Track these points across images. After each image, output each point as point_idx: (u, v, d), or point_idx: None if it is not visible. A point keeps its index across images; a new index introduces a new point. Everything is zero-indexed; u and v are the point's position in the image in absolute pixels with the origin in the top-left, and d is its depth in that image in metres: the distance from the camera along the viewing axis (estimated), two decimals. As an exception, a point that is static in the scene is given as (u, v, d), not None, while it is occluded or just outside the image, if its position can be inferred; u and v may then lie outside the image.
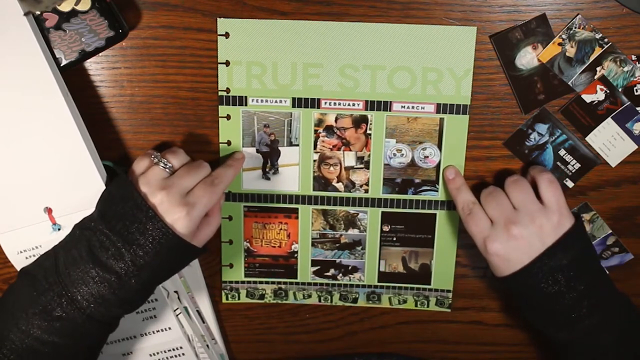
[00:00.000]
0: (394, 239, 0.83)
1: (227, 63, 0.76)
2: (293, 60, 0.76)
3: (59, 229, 0.74)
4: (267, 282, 0.86)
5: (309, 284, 0.86)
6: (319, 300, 0.87)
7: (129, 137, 0.79)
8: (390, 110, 0.78)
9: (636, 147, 0.78)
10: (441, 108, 0.78)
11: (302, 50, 0.76)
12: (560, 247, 0.71)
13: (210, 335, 0.87)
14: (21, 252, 0.75)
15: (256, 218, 0.83)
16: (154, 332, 0.82)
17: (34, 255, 0.75)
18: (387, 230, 0.83)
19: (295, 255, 0.84)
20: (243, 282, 0.86)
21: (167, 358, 0.84)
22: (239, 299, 0.87)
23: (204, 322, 0.86)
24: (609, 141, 0.78)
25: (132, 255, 0.65)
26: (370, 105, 0.78)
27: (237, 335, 0.89)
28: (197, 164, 0.72)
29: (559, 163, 0.79)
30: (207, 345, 0.85)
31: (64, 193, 0.73)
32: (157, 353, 0.83)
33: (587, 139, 0.78)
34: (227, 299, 0.87)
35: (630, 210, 0.81)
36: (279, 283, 0.86)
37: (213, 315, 0.86)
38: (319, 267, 0.85)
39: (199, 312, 0.85)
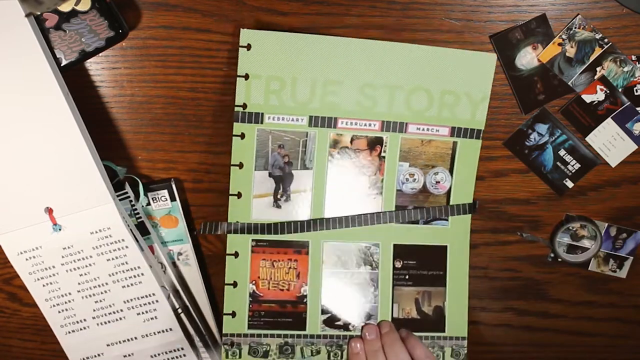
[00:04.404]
0: (407, 277, 0.82)
1: (246, 76, 0.74)
2: (313, 76, 0.75)
3: (59, 230, 0.74)
4: (272, 336, 0.81)
5: (318, 336, 0.82)
6: (328, 358, 0.82)
7: (129, 137, 0.79)
8: (405, 132, 0.77)
9: (636, 147, 0.78)
10: (455, 131, 0.77)
11: (324, 66, 0.74)
12: None
13: (211, 336, 0.87)
14: (21, 252, 0.75)
15: (264, 254, 0.80)
16: (154, 334, 0.82)
17: (33, 257, 0.75)
18: (399, 266, 0.81)
19: (305, 299, 0.81)
20: (246, 335, 0.81)
21: (168, 359, 0.84)
22: (240, 356, 0.82)
23: (204, 322, 0.86)
24: (609, 141, 0.78)
25: None
26: (387, 126, 0.77)
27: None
28: None
29: (559, 163, 0.79)
30: (209, 345, 0.85)
31: (65, 193, 0.73)
32: (158, 354, 0.83)
33: (587, 139, 0.78)
34: (227, 356, 0.81)
35: (630, 210, 0.81)
36: (286, 336, 0.81)
37: (212, 316, 0.86)
38: (329, 314, 0.81)
39: (199, 312, 0.85)
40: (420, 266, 0.81)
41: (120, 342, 0.81)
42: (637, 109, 0.77)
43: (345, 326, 0.82)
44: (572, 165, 0.79)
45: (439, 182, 0.79)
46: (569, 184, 0.80)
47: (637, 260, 0.84)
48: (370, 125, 0.77)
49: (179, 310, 0.81)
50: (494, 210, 0.82)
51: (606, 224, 0.82)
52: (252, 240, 0.79)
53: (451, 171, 0.79)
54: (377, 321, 0.82)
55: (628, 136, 0.78)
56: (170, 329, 0.81)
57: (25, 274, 0.77)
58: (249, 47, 0.73)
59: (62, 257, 0.76)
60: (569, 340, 0.89)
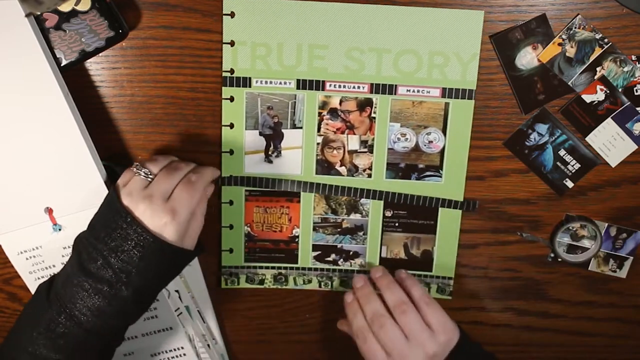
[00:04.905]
0: (396, 224, 0.83)
1: (232, 43, 0.75)
2: (298, 41, 0.75)
3: (59, 230, 0.74)
4: (267, 267, 0.85)
5: (310, 269, 0.85)
6: (319, 286, 0.86)
7: (129, 137, 0.79)
8: (395, 94, 0.78)
9: (636, 147, 0.78)
10: (447, 92, 0.77)
11: (308, 31, 0.75)
12: None
13: (211, 335, 0.87)
14: (22, 252, 0.75)
15: (257, 202, 0.82)
16: (155, 332, 0.82)
17: (34, 256, 0.76)
18: (390, 215, 0.83)
19: (296, 240, 0.84)
20: (243, 267, 0.85)
21: (168, 358, 0.84)
22: (238, 284, 0.86)
23: (204, 322, 0.86)
24: (609, 141, 0.78)
25: (119, 262, 0.64)
26: (376, 88, 0.77)
27: (238, 336, 0.89)
28: (174, 166, 0.71)
29: (558, 163, 0.79)
30: (208, 345, 0.85)
31: (65, 193, 0.73)
32: (159, 353, 0.84)
33: (587, 139, 0.78)
34: (226, 284, 0.86)
35: (630, 210, 0.81)
36: (279, 268, 0.85)
37: (213, 315, 0.86)
38: (319, 252, 0.85)
39: (199, 312, 0.85)
40: (410, 216, 0.83)
41: (120, 341, 0.82)
42: (637, 109, 0.77)
43: (335, 262, 0.85)
44: (572, 165, 0.79)
45: (431, 141, 0.79)
46: (569, 184, 0.80)
47: (637, 260, 0.84)
48: (359, 87, 0.77)
49: (179, 310, 0.81)
50: (494, 210, 0.82)
51: (606, 224, 0.82)
52: (245, 190, 0.82)
53: (444, 131, 0.79)
54: (366, 261, 0.85)
55: (628, 136, 0.78)
56: (171, 328, 0.81)
57: (26, 273, 0.78)
58: (232, 14, 0.74)
59: (62, 256, 0.76)
60: (569, 340, 0.89)
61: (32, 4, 0.66)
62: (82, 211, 0.72)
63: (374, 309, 0.77)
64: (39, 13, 0.69)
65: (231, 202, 0.82)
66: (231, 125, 0.79)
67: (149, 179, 0.69)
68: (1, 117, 0.70)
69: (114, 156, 0.78)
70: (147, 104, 0.78)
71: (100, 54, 0.74)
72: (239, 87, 0.77)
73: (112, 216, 0.66)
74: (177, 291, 0.81)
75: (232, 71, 0.76)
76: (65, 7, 0.70)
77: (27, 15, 0.67)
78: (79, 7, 0.70)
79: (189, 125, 0.78)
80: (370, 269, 0.82)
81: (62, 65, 0.71)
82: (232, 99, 0.77)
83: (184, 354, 0.84)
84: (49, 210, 0.73)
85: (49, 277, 0.70)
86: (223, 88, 0.77)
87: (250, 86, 0.77)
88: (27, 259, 0.76)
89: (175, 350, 0.83)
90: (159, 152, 0.79)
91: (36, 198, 0.73)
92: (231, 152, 0.80)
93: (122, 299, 0.65)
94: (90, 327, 0.65)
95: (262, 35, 0.75)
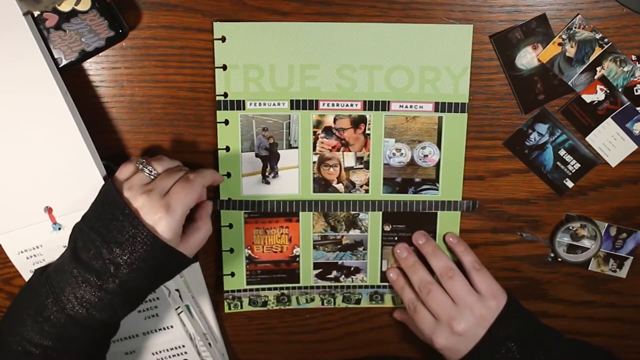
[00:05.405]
0: (396, 238, 0.83)
1: (224, 67, 0.76)
2: (290, 62, 0.76)
3: (59, 229, 0.74)
4: (269, 289, 0.85)
5: (312, 287, 0.85)
6: (322, 304, 0.86)
7: (129, 137, 0.79)
8: (388, 110, 0.78)
9: (636, 147, 0.78)
10: (439, 107, 0.78)
11: (299, 52, 0.75)
12: (498, 325, 0.75)
13: (212, 335, 0.87)
14: (22, 252, 0.76)
15: (257, 224, 0.82)
16: (156, 331, 0.82)
17: (34, 255, 0.76)
18: (389, 230, 0.83)
19: (297, 259, 0.84)
20: (245, 290, 0.85)
21: (169, 357, 0.84)
22: (241, 307, 0.86)
23: (205, 321, 0.86)
24: (609, 141, 0.78)
25: (111, 253, 0.65)
26: (369, 105, 0.78)
27: (238, 335, 0.89)
28: (178, 168, 0.72)
29: (559, 163, 0.79)
30: (210, 344, 0.85)
31: (64, 193, 0.73)
32: (160, 352, 0.84)
33: (587, 139, 0.78)
34: (229, 308, 0.86)
35: (630, 210, 0.81)
36: (282, 288, 0.85)
37: (213, 315, 0.86)
38: (321, 269, 0.85)
39: (200, 311, 0.85)
40: (409, 230, 0.83)
41: (121, 339, 0.82)
42: (637, 108, 0.77)
43: (336, 278, 0.85)
44: (572, 165, 0.79)
45: (427, 155, 0.80)
46: (569, 183, 0.80)
47: (637, 260, 0.83)
48: (352, 105, 0.78)
49: (179, 309, 0.81)
50: (494, 210, 0.82)
51: (606, 224, 0.82)
52: (245, 213, 0.82)
53: (439, 145, 0.79)
54: (367, 276, 0.85)
55: (628, 136, 0.78)
56: (172, 327, 0.81)
57: (26, 273, 0.78)
58: (223, 39, 0.75)
59: (63, 255, 0.77)
60: (569, 340, 0.89)
61: (30, 2, 0.67)
62: (82, 210, 0.72)
63: (421, 277, 0.79)
64: (37, 12, 0.69)
65: (231, 226, 0.82)
66: (227, 149, 0.79)
67: (152, 177, 0.69)
68: (0, 117, 0.70)
69: (114, 156, 0.78)
70: (147, 104, 0.78)
71: (100, 54, 0.74)
72: (233, 110, 0.77)
73: (109, 208, 0.67)
74: (177, 290, 0.81)
75: (225, 95, 0.77)
76: (65, 7, 0.70)
77: (25, 14, 0.67)
78: (79, 7, 0.70)
79: (188, 125, 0.79)
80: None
81: (62, 65, 0.71)
82: (226, 122, 0.78)
83: (185, 352, 0.84)
84: (49, 210, 0.74)
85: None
86: (217, 112, 0.77)
87: (244, 109, 0.77)
88: (27, 258, 0.76)
89: (176, 348, 0.84)
90: (159, 152, 0.79)
91: (36, 197, 0.73)
92: (228, 175, 0.80)
93: (108, 292, 0.65)
94: (74, 315, 0.65)
95: (254, 58, 0.75)
